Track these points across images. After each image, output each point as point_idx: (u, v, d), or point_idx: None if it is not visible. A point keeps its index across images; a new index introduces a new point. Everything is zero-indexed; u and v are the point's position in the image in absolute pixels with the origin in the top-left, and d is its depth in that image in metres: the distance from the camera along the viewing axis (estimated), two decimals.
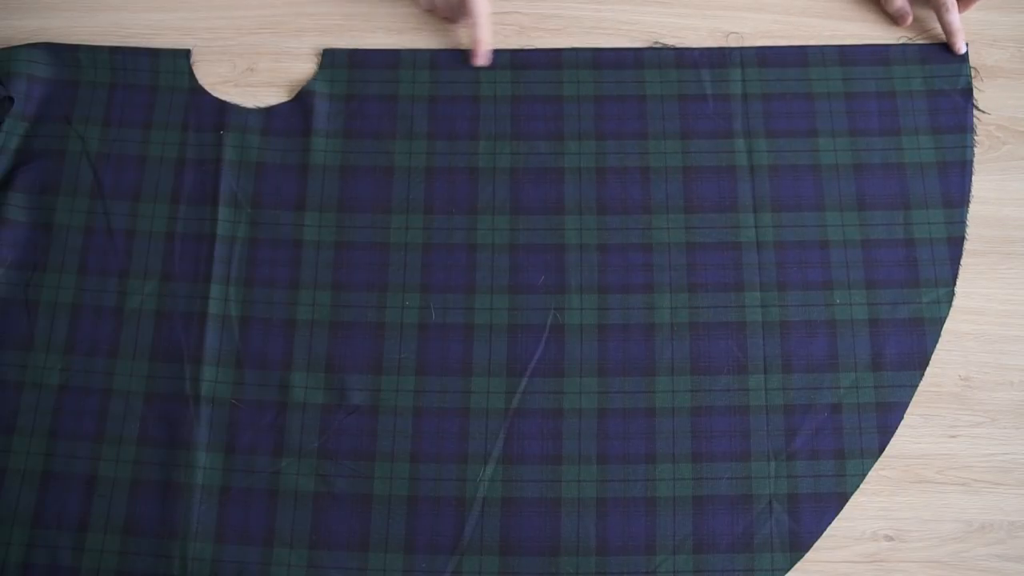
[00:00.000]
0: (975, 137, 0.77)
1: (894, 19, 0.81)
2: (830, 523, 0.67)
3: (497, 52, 0.80)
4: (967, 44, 0.79)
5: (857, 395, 0.70)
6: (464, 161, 0.76)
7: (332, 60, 0.80)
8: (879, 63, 0.79)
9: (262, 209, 0.75)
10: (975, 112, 0.78)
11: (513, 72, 0.79)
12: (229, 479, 0.68)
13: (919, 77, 0.79)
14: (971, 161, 0.76)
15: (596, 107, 0.78)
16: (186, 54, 0.80)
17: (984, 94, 0.79)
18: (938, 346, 0.71)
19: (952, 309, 0.72)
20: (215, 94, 0.78)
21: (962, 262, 0.73)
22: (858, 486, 0.68)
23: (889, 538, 0.67)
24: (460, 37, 0.80)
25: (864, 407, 0.70)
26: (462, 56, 0.80)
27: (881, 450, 0.69)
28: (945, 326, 0.72)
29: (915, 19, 0.81)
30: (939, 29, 0.80)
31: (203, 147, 0.76)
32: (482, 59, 0.79)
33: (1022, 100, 0.79)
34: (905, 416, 0.70)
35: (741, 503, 0.67)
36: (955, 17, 0.79)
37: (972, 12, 0.81)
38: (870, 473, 0.68)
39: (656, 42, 0.80)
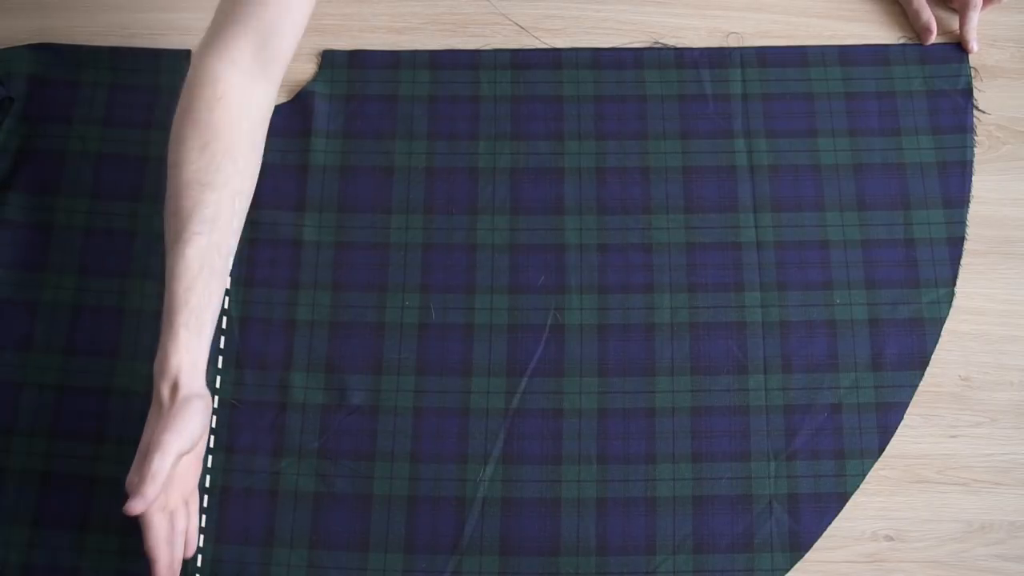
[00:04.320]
0: (975, 137, 0.77)
1: (919, 34, 0.80)
2: (830, 523, 0.67)
3: (497, 52, 0.80)
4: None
5: (857, 395, 0.70)
6: (464, 161, 0.76)
7: (332, 60, 0.80)
8: (879, 63, 0.79)
9: (262, 209, 0.75)
10: (975, 112, 0.78)
11: (513, 72, 0.79)
12: (229, 479, 0.68)
13: (919, 77, 0.79)
14: (971, 161, 0.76)
15: (596, 107, 0.78)
16: (186, 54, 0.79)
17: (984, 94, 0.79)
18: (938, 346, 0.71)
19: (952, 309, 0.72)
20: None
21: (962, 262, 0.73)
22: (858, 486, 0.68)
23: (889, 538, 0.67)
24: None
25: (864, 407, 0.70)
26: (462, 56, 0.80)
27: (881, 450, 0.69)
28: (945, 326, 0.72)
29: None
30: (943, 29, 0.80)
31: None
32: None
33: (1022, 100, 0.79)
34: (905, 416, 0.70)
35: (741, 503, 0.67)
36: (976, 16, 0.79)
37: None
38: (870, 473, 0.68)
39: (656, 42, 0.80)
